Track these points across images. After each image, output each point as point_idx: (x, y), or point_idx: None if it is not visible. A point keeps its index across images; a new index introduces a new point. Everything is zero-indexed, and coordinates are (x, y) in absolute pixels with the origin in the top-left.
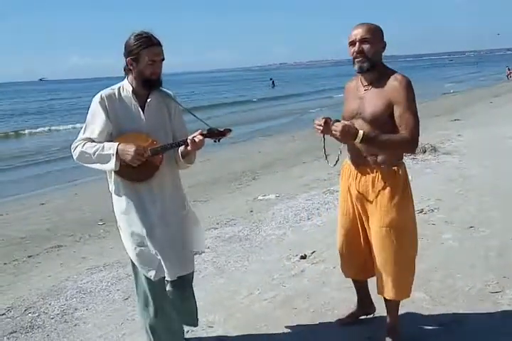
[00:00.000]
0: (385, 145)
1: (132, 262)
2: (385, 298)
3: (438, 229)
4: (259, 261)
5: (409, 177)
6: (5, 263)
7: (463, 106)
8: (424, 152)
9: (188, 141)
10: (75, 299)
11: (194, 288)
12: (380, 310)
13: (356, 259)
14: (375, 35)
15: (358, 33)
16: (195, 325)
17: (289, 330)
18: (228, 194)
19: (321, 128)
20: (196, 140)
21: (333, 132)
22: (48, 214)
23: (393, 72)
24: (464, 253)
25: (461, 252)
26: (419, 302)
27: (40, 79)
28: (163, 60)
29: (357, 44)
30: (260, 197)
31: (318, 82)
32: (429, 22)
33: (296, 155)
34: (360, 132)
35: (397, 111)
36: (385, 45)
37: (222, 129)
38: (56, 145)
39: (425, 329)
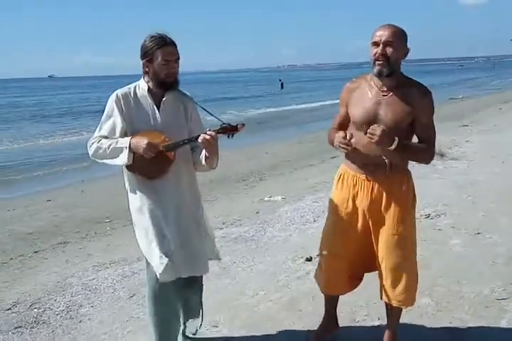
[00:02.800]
0: (411, 154)
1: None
2: (388, 304)
3: (445, 234)
4: (264, 262)
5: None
6: (11, 259)
7: (471, 112)
8: None
9: (200, 137)
10: (80, 296)
11: None
12: (383, 314)
13: (341, 273)
14: (400, 40)
15: (383, 34)
16: (197, 327)
17: (294, 332)
18: (235, 194)
19: (349, 147)
20: (207, 137)
21: (370, 136)
22: (54, 210)
23: (412, 80)
24: (470, 259)
25: (468, 258)
26: (424, 307)
27: (50, 76)
28: (177, 59)
29: (381, 46)
30: (267, 199)
31: (328, 83)
32: (438, 26)
33: (303, 157)
34: (396, 138)
35: (420, 122)
36: (408, 51)
37: (235, 124)
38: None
39: (429, 334)
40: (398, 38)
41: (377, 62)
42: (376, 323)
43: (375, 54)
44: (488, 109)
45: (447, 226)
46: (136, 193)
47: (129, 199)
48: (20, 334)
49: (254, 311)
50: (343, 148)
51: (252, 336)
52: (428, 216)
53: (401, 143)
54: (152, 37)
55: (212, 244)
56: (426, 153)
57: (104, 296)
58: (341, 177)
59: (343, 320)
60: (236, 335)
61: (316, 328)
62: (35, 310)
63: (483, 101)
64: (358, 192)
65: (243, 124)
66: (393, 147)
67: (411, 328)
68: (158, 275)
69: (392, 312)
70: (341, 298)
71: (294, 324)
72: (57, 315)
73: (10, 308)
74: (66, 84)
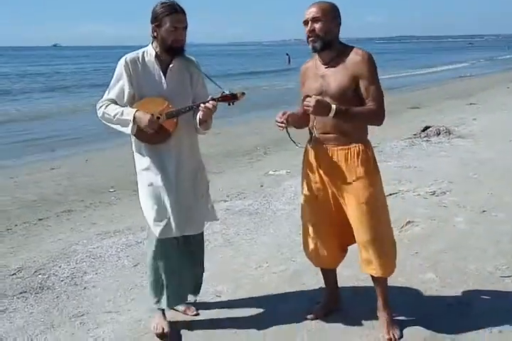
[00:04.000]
0: (356, 118)
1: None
2: (372, 275)
3: (450, 211)
4: (268, 235)
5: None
6: (15, 225)
7: (479, 90)
8: (438, 134)
9: (201, 105)
10: (84, 263)
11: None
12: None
13: (328, 245)
14: (327, 14)
15: (310, 11)
16: (196, 291)
17: (296, 304)
18: (240, 168)
19: (284, 125)
20: (209, 106)
21: (306, 108)
22: (58, 179)
23: (351, 47)
24: (475, 236)
25: (473, 235)
26: (428, 283)
27: (54, 45)
28: (185, 27)
29: (309, 23)
30: (271, 172)
31: None
32: (446, 3)
33: (308, 132)
34: (333, 106)
35: (362, 85)
36: (340, 23)
37: (235, 92)
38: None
39: (433, 309)
40: (325, 12)
41: (309, 40)
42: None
43: (307, 32)
44: (496, 88)
45: (452, 204)
46: (140, 154)
47: (134, 159)
48: (25, 300)
49: (257, 282)
50: (279, 126)
51: (255, 307)
52: (433, 193)
53: (340, 109)
54: (163, 3)
55: (207, 206)
56: (373, 114)
57: (109, 264)
58: (306, 151)
59: (345, 294)
60: (239, 306)
61: (319, 301)
62: (39, 276)
63: (492, 79)
64: (320, 164)
65: (243, 93)
66: (331, 114)
67: (415, 303)
68: (155, 232)
69: (377, 282)
70: (349, 271)
71: (297, 296)
72: (62, 281)
73: (15, 273)
74: (74, 54)
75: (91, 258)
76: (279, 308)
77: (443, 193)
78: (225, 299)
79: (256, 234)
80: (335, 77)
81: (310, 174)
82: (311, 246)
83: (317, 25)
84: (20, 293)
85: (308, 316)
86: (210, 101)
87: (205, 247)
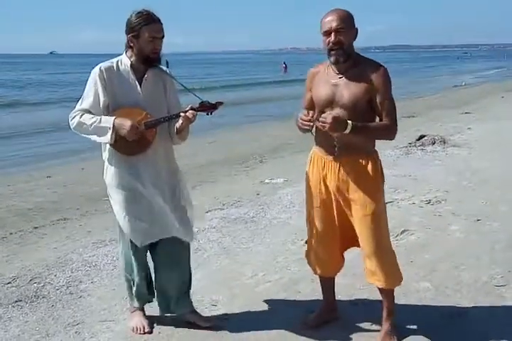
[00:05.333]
0: (371, 134)
1: (119, 227)
2: (378, 287)
3: (445, 220)
4: (264, 244)
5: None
6: (11, 233)
7: (474, 100)
8: (433, 143)
9: (181, 114)
10: (80, 271)
11: (199, 267)
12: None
13: (330, 253)
14: (349, 23)
15: (332, 21)
16: (182, 301)
17: (292, 312)
18: (235, 176)
19: (312, 123)
20: (189, 115)
21: (321, 124)
22: (54, 187)
23: (367, 59)
24: (470, 245)
25: (468, 244)
26: (423, 292)
27: (51, 53)
28: (163, 37)
29: (333, 34)
30: (267, 181)
31: None
32: (440, 13)
33: (304, 140)
34: (350, 122)
35: (377, 99)
36: (357, 31)
37: (213, 102)
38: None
39: (427, 319)
40: (347, 21)
41: (331, 52)
42: (378, 306)
43: (329, 43)
44: (490, 97)
45: (447, 213)
46: (114, 166)
47: (105, 171)
48: (20, 308)
49: (253, 291)
50: (305, 125)
51: (251, 316)
52: (429, 202)
53: (356, 125)
54: (139, 13)
55: (185, 222)
56: (386, 130)
57: (104, 273)
58: (312, 160)
59: (343, 303)
60: (234, 314)
61: (314, 310)
62: (34, 284)
63: (486, 89)
64: (326, 174)
65: (221, 102)
66: (347, 131)
67: (410, 312)
68: (130, 243)
69: (383, 293)
70: (345, 280)
71: (293, 305)
72: (57, 290)
73: (10, 282)
74: (72, 61)
75: (86, 266)
76: (274, 317)
77: (438, 202)
78: (220, 308)
79: (252, 242)
80: (349, 88)
81: (314, 184)
82: (314, 253)
83: (342, 37)
84: (16, 301)
85: (302, 325)
86: (189, 111)
87: (201, 256)
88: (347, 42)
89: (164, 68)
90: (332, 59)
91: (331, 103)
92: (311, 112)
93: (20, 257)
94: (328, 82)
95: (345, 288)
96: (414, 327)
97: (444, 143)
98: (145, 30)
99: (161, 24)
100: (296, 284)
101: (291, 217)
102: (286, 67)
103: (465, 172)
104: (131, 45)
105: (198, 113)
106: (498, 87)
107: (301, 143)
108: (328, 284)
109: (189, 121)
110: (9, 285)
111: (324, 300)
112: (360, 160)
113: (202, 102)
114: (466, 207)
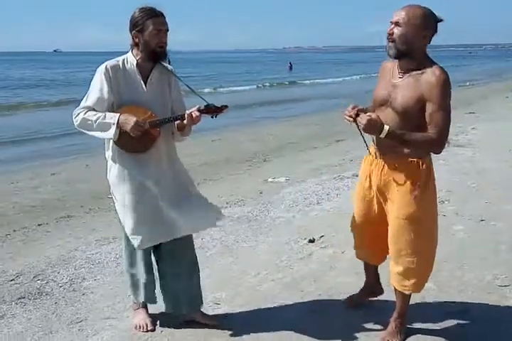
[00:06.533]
0: (409, 144)
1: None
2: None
3: (449, 220)
4: (267, 243)
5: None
6: (14, 230)
7: (478, 100)
8: None
9: (186, 115)
10: (83, 269)
11: (202, 266)
12: (387, 294)
13: (368, 244)
14: (413, 21)
15: (398, 13)
16: (193, 303)
17: (295, 311)
18: (239, 174)
19: (352, 119)
20: (194, 115)
21: (359, 124)
22: (58, 184)
23: (431, 64)
24: (474, 245)
25: (472, 244)
26: (426, 291)
27: (55, 51)
28: (167, 30)
29: (392, 25)
30: (270, 180)
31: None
32: (445, 12)
33: (307, 139)
34: (386, 127)
35: (429, 109)
36: (429, 35)
37: (219, 105)
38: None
39: (430, 318)
40: (411, 18)
41: (387, 42)
42: (383, 305)
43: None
44: (495, 97)
45: (451, 213)
46: (118, 164)
47: (109, 170)
48: (24, 305)
49: (255, 290)
50: (347, 119)
51: (254, 314)
52: None
53: (392, 131)
54: (142, 8)
55: (204, 208)
56: (428, 143)
57: (108, 270)
58: (366, 157)
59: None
60: (236, 312)
61: (317, 309)
62: (38, 281)
63: (491, 88)
64: (372, 170)
65: (226, 106)
66: (382, 135)
67: (413, 312)
68: (134, 244)
69: (398, 295)
70: (348, 279)
71: (295, 304)
72: (61, 287)
73: (13, 279)
74: (76, 59)
75: (90, 264)
76: (276, 316)
77: (442, 202)
78: (223, 306)
79: (255, 241)
80: (403, 93)
81: (363, 178)
82: (356, 240)
83: (396, 30)
84: (19, 298)
85: (344, 300)
86: (195, 111)
87: (204, 254)
88: (401, 37)
89: (169, 67)
90: (386, 49)
91: (385, 102)
92: (356, 108)
93: (23, 254)
94: (390, 81)
95: (348, 286)
96: (418, 326)
97: (448, 143)
98: (149, 23)
99: (164, 17)
100: (298, 283)
101: (294, 216)
102: (291, 66)
103: (469, 173)
104: (137, 41)
105: (203, 115)
106: (502, 87)
107: (303, 142)
108: (369, 269)
109: (193, 122)
110: (12, 282)
111: (365, 282)
112: (405, 163)
113: (207, 105)
114: (470, 207)
